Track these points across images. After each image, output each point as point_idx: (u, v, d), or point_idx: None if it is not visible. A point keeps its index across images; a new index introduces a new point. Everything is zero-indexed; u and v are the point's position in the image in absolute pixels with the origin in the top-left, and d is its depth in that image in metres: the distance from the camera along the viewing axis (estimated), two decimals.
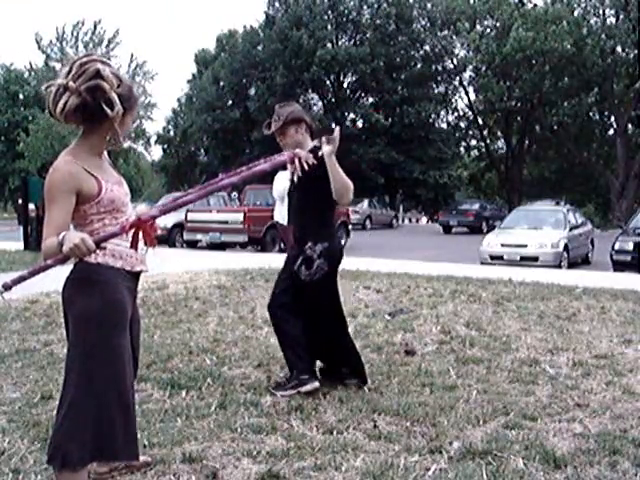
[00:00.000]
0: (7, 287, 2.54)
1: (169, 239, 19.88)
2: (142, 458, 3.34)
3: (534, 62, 37.00)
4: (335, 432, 3.83)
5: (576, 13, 37.28)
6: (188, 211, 19.24)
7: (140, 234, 2.62)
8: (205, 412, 4.13)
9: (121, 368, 2.74)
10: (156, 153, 77.82)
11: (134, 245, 2.60)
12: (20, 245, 16.47)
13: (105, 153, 2.85)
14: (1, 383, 4.79)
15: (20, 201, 18.97)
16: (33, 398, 4.42)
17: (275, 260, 12.31)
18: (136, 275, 2.88)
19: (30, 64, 53.37)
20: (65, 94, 2.55)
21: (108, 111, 2.58)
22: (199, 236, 19.25)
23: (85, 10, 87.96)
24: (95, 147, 2.71)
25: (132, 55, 70.73)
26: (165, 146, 57.24)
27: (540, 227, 16.34)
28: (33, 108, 45.94)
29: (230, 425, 3.92)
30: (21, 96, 51.99)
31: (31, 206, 17.06)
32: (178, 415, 4.09)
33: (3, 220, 30.55)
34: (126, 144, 51.87)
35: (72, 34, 51.81)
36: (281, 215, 10.21)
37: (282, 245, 12.88)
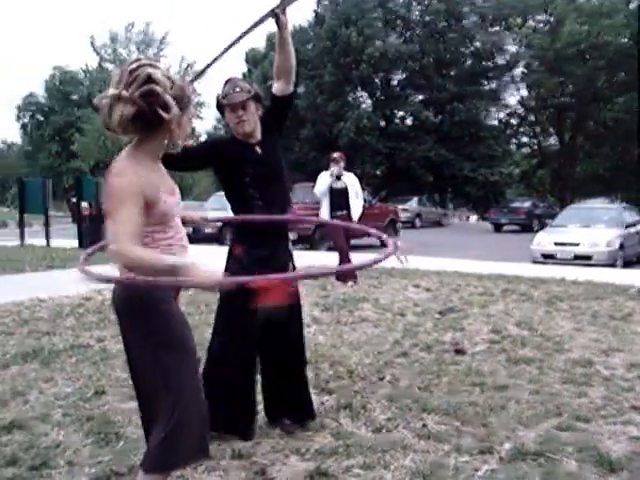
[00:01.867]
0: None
1: (220, 237, 20.05)
2: None
3: (588, 57, 36.28)
4: (384, 431, 3.82)
5: (632, 5, 36.37)
6: None
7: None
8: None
9: (193, 361, 2.70)
10: None
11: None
12: (74, 243, 16.84)
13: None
14: (56, 378, 4.89)
15: (74, 200, 19.41)
16: (87, 393, 4.50)
17: (324, 258, 12.31)
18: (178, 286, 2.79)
19: (86, 65, 54.49)
20: (119, 104, 2.45)
21: (165, 115, 2.48)
22: None
23: (136, 12, 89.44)
24: (154, 152, 2.61)
25: (182, 56, 71.36)
26: None
27: (594, 225, 15.99)
28: (87, 108, 46.84)
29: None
30: (75, 97, 53.14)
31: (84, 204, 17.46)
32: None
33: (58, 218, 31.29)
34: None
35: (125, 36, 52.71)
36: (323, 213, 10.27)
37: (331, 243, 12.90)
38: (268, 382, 3.97)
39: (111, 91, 2.46)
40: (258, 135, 3.82)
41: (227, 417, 3.70)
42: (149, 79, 2.46)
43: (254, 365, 3.87)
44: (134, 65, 2.49)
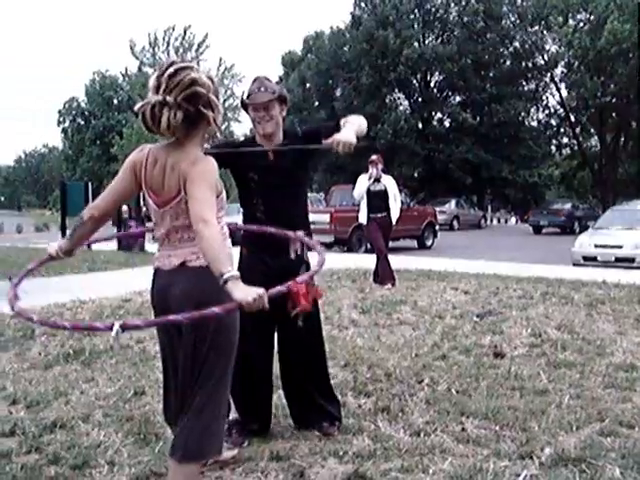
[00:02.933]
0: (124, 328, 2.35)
1: None
2: (230, 452, 3.40)
3: (631, 56, 35.62)
4: (422, 434, 3.79)
5: None
6: None
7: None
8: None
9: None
10: None
11: None
12: (114, 245, 17.06)
13: None
14: (97, 378, 4.96)
15: None
16: (127, 393, 4.55)
17: (361, 260, 12.28)
18: None
19: (126, 70, 55.26)
20: (164, 109, 2.51)
21: (210, 114, 2.59)
22: None
23: (176, 16, 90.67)
24: (200, 147, 2.70)
25: (220, 59, 71.88)
26: None
27: (637, 227, 15.65)
28: (126, 112, 47.49)
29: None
30: (115, 101, 53.97)
31: (124, 207, 17.68)
32: None
33: None
34: None
35: (163, 40, 53.28)
36: (362, 215, 10.25)
37: (368, 246, 12.82)
38: (291, 386, 3.95)
39: (154, 98, 2.52)
40: (279, 139, 3.78)
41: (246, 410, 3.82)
42: (193, 83, 2.53)
43: (270, 362, 3.88)
44: (172, 70, 2.54)
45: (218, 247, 2.40)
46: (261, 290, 2.32)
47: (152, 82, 2.56)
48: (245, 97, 3.79)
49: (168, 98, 2.50)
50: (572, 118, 44.43)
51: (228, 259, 2.45)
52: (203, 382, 2.63)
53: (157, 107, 2.51)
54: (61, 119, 58.15)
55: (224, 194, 2.71)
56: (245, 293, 2.30)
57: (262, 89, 3.73)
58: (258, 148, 3.76)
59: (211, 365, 2.64)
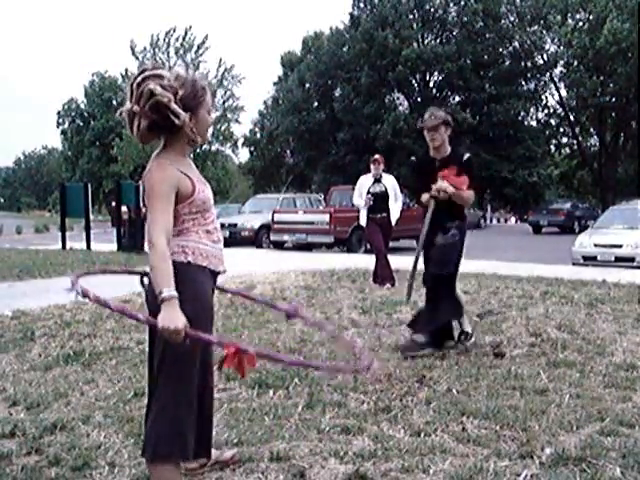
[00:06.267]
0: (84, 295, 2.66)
1: (256, 240, 20.17)
2: (229, 452, 3.40)
3: (630, 55, 35.64)
4: (423, 434, 3.79)
5: None
6: (274, 212, 19.48)
7: (236, 360, 2.59)
8: (292, 411, 4.16)
9: (208, 367, 2.87)
10: (243, 155, 79.11)
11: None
12: (114, 246, 17.07)
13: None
14: (97, 379, 4.96)
15: (113, 204, 19.74)
16: (127, 394, 4.55)
17: (361, 261, 12.28)
18: (216, 275, 2.93)
19: (126, 70, 55.14)
20: (135, 118, 2.65)
21: (176, 121, 2.65)
22: (285, 237, 19.44)
23: (176, 16, 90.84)
24: (180, 150, 2.77)
25: (220, 60, 71.85)
26: (252, 148, 58.16)
27: (636, 227, 15.64)
28: None
29: (317, 425, 3.92)
30: (115, 102, 53.88)
31: (124, 208, 17.73)
32: (266, 414, 4.13)
33: (98, 222, 31.85)
34: (214, 147, 52.90)
35: (164, 41, 53.18)
36: (362, 218, 10.09)
37: (368, 246, 12.70)
38: None
39: (127, 105, 2.66)
40: (445, 151, 5.53)
41: None
42: (152, 94, 2.60)
43: None
44: (139, 79, 2.64)
45: (157, 268, 2.56)
46: (181, 325, 2.48)
47: (127, 89, 2.68)
48: (420, 123, 5.47)
49: (135, 107, 2.63)
50: (571, 117, 44.50)
51: (167, 279, 2.56)
52: (158, 381, 2.71)
53: (130, 115, 2.66)
54: (60, 120, 58.11)
55: (199, 195, 2.76)
56: (168, 320, 2.48)
57: (432, 117, 5.35)
58: None
59: (161, 357, 2.72)
